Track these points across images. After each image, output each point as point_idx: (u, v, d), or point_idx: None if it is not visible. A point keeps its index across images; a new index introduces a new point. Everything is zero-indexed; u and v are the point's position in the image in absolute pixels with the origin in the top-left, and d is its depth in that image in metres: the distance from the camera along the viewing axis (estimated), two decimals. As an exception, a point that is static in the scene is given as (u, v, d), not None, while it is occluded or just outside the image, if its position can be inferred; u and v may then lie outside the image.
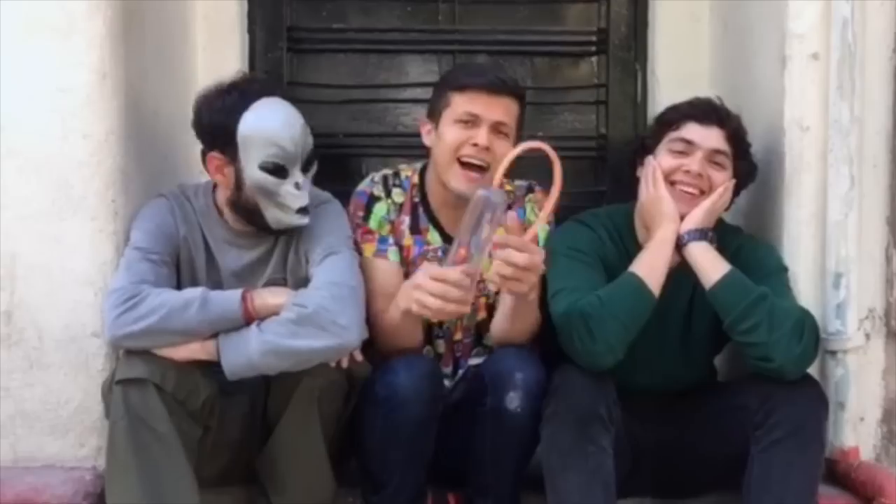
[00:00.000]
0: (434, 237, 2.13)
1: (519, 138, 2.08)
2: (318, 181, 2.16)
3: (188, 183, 2.07)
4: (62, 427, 2.02)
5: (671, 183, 2.00)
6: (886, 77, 2.13)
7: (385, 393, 1.89)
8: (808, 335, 1.87)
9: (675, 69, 2.60)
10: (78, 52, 1.99)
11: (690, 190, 2.00)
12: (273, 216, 1.94)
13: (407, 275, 2.10)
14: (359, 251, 2.04)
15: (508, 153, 2.00)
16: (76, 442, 2.03)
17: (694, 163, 1.99)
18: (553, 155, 1.75)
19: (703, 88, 2.51)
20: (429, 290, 1.74)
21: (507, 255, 1.71)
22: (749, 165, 2.08)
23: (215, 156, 1.94)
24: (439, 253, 2.12)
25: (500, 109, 2.03)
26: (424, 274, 1.76)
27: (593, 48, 2.73)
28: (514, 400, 1.87)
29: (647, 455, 2.01)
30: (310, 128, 1.99)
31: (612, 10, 2.69)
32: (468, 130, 2.02)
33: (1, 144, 2.00)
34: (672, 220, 1.97)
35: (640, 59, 2.69)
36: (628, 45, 2.69)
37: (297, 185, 1.92)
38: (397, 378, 1.88)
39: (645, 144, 2.08)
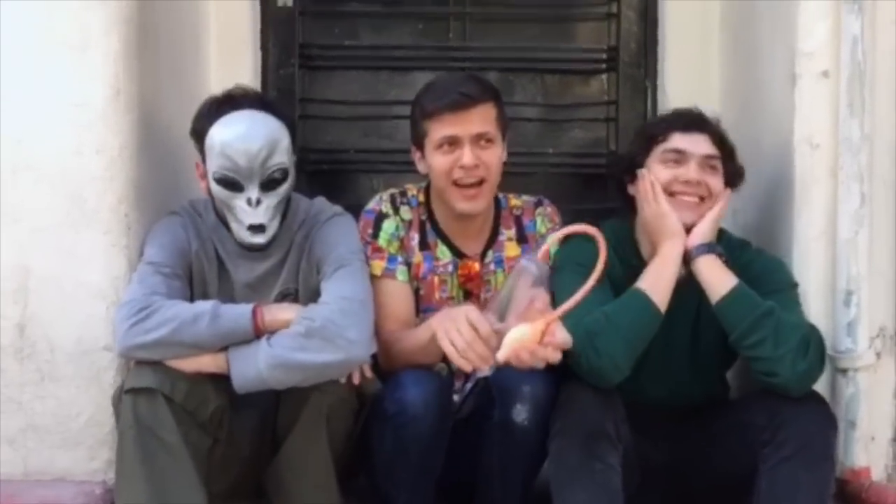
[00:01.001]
0: (443, 252, 2.14)
1: (505, 131, 2.10)
2: (329, 196, 2.18)
3: (198, 199, 2.08)
4: (73, 440, 2.03)
5: (670, 194, 2.00)
6: (896, 94, 2.13)
7: (394, 409, 1.88)
8: (814, 351, 1.86)
9: (685, 86, 2.60)
10: (93, 68, 2.02)
11: (690, 199, 2.00)
12: (235, 230, 1.96)
13: (417, 291, 2.11)
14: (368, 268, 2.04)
15: (499, 163, 2.07)
16: (87, 455, 2.03)
17: (690, 171, 2.00)
18: (601, 241, 1.72)
19: (712, 106, 2.51)
20: (459, 330, 1.74)
21: (524, 357, 1.69)
22: (736, 166, 2.08)
23: (198, 163, 1.99)
24: (449, 268, 2.13)
25: (475, 121, 2.02)
26: (466, 312, 1.76)
27: (604, 65, 2.74)
28: (521, 413, 1.87)
29: (655, 472, 2.00)
30: (296, 144, 2.00)
31: (623, 27, 2.71)
32: (452, 153, 2.03)
33: (16, 158, 2.02)
34: (678, 236, 1.96)
35: (650, 76, 2.70)
36: (638, 62, 2.71)
37: (249, 202, 1.91)
38: (406, 394, 1.88)
39: (634, 162, 2.07)
